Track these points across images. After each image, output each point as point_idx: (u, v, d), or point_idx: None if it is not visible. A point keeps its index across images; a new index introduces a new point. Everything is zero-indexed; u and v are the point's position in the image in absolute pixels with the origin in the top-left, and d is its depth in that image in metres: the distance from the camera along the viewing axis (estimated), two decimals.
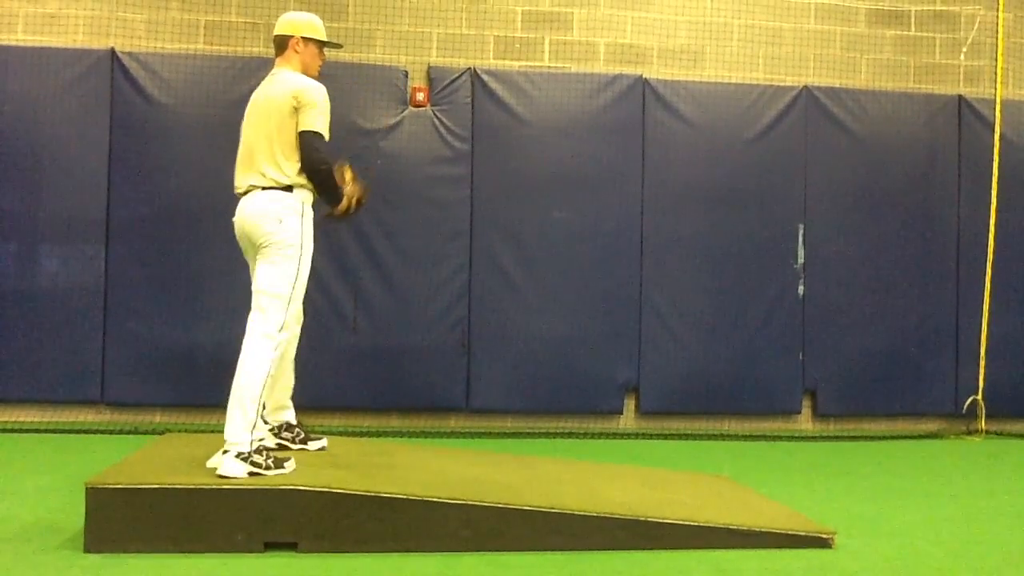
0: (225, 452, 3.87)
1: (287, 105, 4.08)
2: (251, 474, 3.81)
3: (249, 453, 3.85)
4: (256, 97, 4.26)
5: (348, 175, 4.34)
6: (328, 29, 4.76)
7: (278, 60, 4.30)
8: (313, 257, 4.20)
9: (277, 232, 4.04)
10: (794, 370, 7.71)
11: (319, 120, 4.11)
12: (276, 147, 4.08)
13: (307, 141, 4.08)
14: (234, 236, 4.26)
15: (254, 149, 4.12)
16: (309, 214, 4.17)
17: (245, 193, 4.16)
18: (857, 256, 7.79)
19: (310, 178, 4.12)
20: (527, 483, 4.42)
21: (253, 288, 4.12)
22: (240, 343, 4.07)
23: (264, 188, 4.09)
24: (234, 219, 4.21)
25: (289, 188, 4.08)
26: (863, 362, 7.78)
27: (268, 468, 3.87)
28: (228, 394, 3.96)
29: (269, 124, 4.10)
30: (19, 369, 6.97)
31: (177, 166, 7.11)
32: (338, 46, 4.59)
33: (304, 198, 4.14)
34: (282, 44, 4.28)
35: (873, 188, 7.83)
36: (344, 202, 4.27)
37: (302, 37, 4.27)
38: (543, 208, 7.47)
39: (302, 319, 4.36)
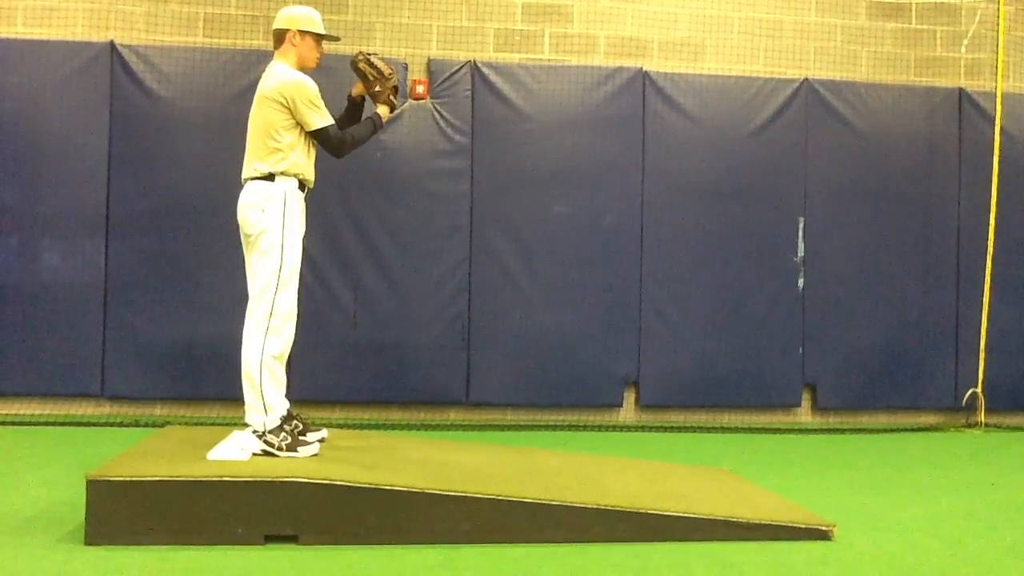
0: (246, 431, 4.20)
1: (271, 98, 4.22)
2: (264, 452, 4.09)
3: (263, 432, 4.13)
4: (256, 91, 4.36)
5: (366, 68, 4.47)
6: (328, 22, 4.79)
7: (276, 53, 4.41)
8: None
9: (260, 222, 4.20)
10: (794, 363, 7.71)
11: (315, 116, 4.25)
12: (259, 139, 4.24)
13: (320, 141, 4.31)
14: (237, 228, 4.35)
15: (247, 142, 4.30)
16: (293, 203, 4.27)
17: (242, 187, 4.33)
18: (857, 249, 7.79)
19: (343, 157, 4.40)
20: (527, 476, 4.43)
21: (249, 277, 4.30)
22: (239, 335, 4.17)
23: (252, 179, 4.27)
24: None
25: (271, 177, 4.22)
26: (863, 355, 7.78)
27: (280, 449, 4.10)
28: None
29: (256, 117, 4.27)
30: (19, 362, 6.97)
31: (177, 160, 7.10)
32: (335, 39, 4.61)
33: (287, 187, 4.24)
34: (280, 38, 4.39)
35: (873, 181, 7.83)
36: (385, 109, 4.50)
37: (299, 30, 4.37)
38: (543, 201, 7.46)
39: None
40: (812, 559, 3.74)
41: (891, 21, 8.07)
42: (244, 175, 4.30)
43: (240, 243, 4.37)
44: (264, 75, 4.35)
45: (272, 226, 4.19)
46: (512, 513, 3.82)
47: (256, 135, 4.25)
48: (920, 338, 7.86)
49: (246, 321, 4.23)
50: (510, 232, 7.44)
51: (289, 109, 4.19)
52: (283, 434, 4.16)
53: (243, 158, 4.34)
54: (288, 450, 4.12)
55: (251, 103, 4.33)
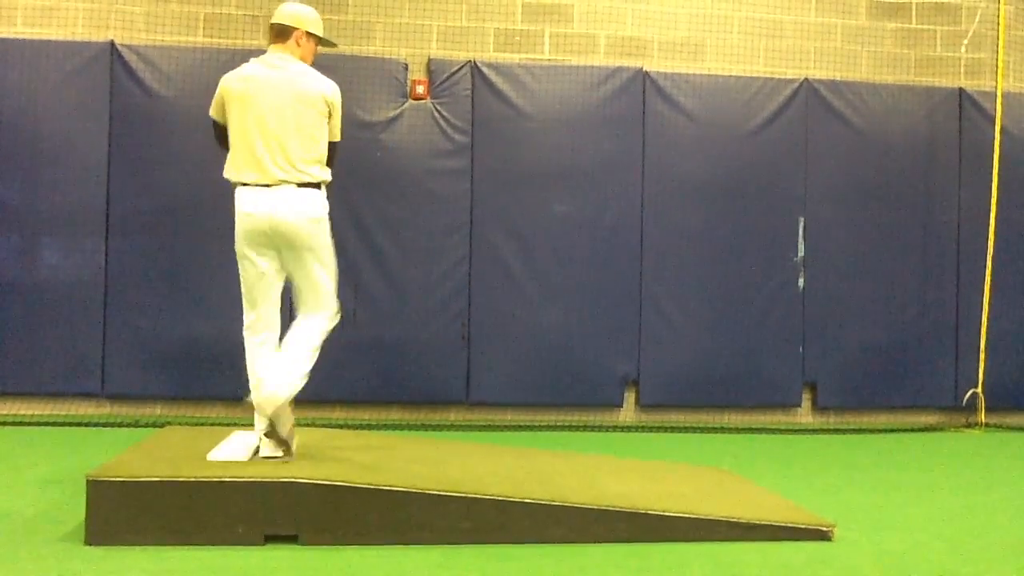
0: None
1: (323, 107, 4.16)
2: (285, 454, 4.05)
3: (286, 438, 4.08)
4: (272, 81, 4.14)
5: None
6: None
7: (278, 47, 4.25)
8: None
9: (321, 233, 4.16)
10: (794, 363, 7.71)
11: (339, 128, 4.30)
12: (303, 141, 4.10)
13: (334, 152, 4.28)
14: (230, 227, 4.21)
15: (285, 142, 4.08)
16: None
17: (271, 186, 4.08)
18: (857, 249, 7.79)
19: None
20: (527, 475, 4.43)
21: (309, 288, 4.22)
22: (240, 334, 4.15)
23: (304, 185, 4.10)
24: (261, 212, 4.08)
25: (319, 186, 4.18)
26: (863, 355, 7.78)
27: (292, 450, 4.12)
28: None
29: (301, 116, 4.10)
30: (19, 362, 6.97)
31: (177, 159, 7.09)
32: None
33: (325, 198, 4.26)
34: (283, 33, 4.25)
35: (873, 181, 7.83)
36: None
37: (306, 32, 4.28)
38: (543, 201, 7.46)
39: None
40: (812, 559, 3.74)
41: (891, 21, 8.07)
42: (285, 176, 4.05)
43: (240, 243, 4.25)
44: (282, 68, 4.16)
45: (329, 241, 4.21)
46: (512, 513, 3.82)
47: (301, 137, 4.08)
48: (920, 338, 7.86)
49: (313, 325, 4.25)
50: (510, 231, 7.44)
51: (328, 117, 4.19)
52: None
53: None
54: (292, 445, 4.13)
55: None
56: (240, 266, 4.22)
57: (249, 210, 4.10)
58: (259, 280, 4.20)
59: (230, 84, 4.20)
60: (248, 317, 4.25)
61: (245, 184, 4.13)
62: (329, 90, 4.20)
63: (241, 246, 4.17)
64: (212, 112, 4.30)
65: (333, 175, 4.30)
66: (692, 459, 5.88)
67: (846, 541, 4.00)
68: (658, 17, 7.79)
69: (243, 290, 4.25)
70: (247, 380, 4.25)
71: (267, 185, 4.08)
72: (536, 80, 7.50)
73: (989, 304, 7.67)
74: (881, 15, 8.06)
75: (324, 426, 6.20)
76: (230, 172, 4.18)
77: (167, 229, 7.11)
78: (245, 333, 4.27)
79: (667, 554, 3.74)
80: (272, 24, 4.31)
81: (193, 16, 7.34)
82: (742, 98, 7.72)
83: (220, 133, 4.28)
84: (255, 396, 4.12)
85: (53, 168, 7.05)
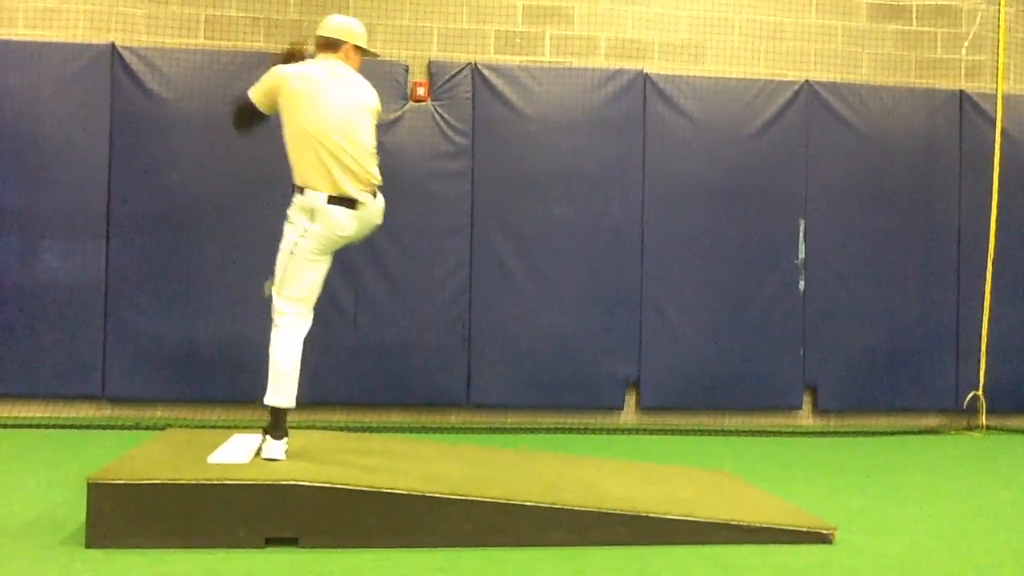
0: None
1: (376, 113, 4.41)
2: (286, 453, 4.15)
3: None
4: (340, 90, 4.26)
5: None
6: None
7: (330, 56, 4.34)
8: None
9: None
10: (795, 365, 7.71)
11: None
12: (375, 151, 4.40)
13: None
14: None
15: (363, 151, 4.32)
16: None
17: (357, 201, 4.31)
18: (858, 251, 7.79)
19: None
20: (528, 478, 4.43)
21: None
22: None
23: (375, 193, 4.44)
24: (355, 231, 4.38)
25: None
26: (864, 357, 7.77)
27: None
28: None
29: (370, 130, 4.37)
30: (20, 364, 6.96)
31: (178, 161, 7.10)
32: (375, 55, 4.64)
33: None
34: (332, 46, 4.35)
35: (874, 183, 7.82)
36: None
37: (355, 45, 4.39)
38: (544, 203, 7.46)
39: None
40: (813, 562, 3.74)
41: (892, 23, 8.07)
42: (370, 187, 4.37)
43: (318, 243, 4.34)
44: (344, 78, 4.30)
45: None
46: (512, 515, 3.83)
47: (370, 146, 4.36)
48: (921, 340, 7.86)
49: None
50: (511, 233, 7.44)
51: None
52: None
53: (346, 166, 4.28)
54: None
55: None
56: (305, 267, 4.23)
57: (343, 234, 4.29)
58: (322, 275, 4.32)
59: (290, 80, 4.22)
60: (296, 307, 4.22)
61: (331, 200, 4.22)
62: (377, 101, 4.43)
63: (314, 254, 4.24)
64: (254, 96, 4.30)
65: None
66: (693, 462, 5.88)
67: (847, 544, 4.00)
68: (659, 19, 7.79)
69: (299, 287, 4.22)
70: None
71: (353, 200, 4.26)
72: (537, 82, 7.50)
73: (990, 306, 7.67)
74: (882, 17, 8.06)
75: (325, 428, 6.20)
76: (311, 180, 4.19)
77: (168, 231, 7.10)
78: (296, 320, 4.21)
79: (667, 557, 3.74)
80: (319, 36, 4.38)
81: (194, 18, 7.34)
82: (743, 100, 7.72)
83: (246, 115, 4.37)
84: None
85: (54, 170, 7.05)
